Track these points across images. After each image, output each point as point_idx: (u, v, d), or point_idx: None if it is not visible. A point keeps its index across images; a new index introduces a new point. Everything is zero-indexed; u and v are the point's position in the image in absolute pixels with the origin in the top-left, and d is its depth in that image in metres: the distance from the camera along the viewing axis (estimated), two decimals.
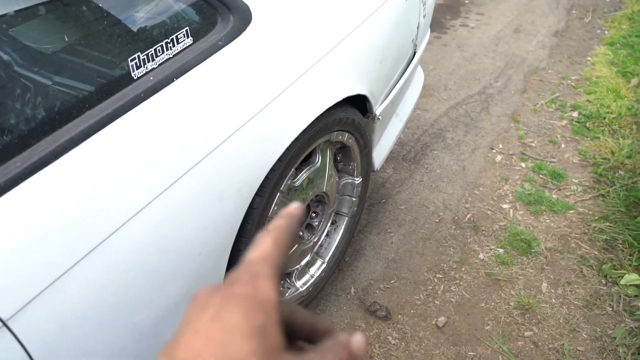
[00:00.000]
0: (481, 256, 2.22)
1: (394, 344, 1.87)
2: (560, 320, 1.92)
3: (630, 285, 2.00)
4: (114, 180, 0.87)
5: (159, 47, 0.96)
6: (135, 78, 0.92)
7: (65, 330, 0.80)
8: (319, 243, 1.75)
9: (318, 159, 1.46)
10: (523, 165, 2.81)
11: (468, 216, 2.45)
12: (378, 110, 1.64)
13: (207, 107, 1.03)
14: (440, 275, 2.13)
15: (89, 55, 0.92)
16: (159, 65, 0.95)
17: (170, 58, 0.98)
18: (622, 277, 2.02)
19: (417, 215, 2.44)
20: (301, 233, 1.63)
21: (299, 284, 1.66)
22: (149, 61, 0.93)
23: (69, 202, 0.80)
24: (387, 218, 2.43)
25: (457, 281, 2.11)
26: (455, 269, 2.16)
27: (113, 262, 0.86)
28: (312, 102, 1.27)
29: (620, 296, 1.98)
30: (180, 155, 0.97)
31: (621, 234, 2.23)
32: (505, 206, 2.52)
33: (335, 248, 1.80)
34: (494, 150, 2.93)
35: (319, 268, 1.74)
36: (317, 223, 1.68)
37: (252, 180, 1.15)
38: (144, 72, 0.92)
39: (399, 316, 1.96)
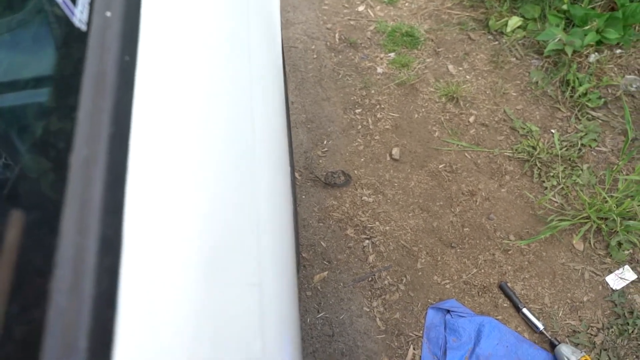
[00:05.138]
0: (379, 70, 2.04)
1: (372, 201, 1.69)
2: (487, 92, 1.92)
3: (516, 28, 2.04)
4: None
5: None
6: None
7: None
8: None
9: None
10: None
11: (337, 36, 2.17)
12: None
13: None
14: (359, 110, 1.92)
15: None
16: None
17: None
18: (506, 25, 2.05)
19: (294, 61, 2.08)
20: None
21: None
22: None
23: None
24: None
25: (378, 106, 1.92)
26: (366, 96, 1.96)
27: None
28: None
29: (513, 43, 2.03)
30: None
31: None
32: (360, 9, 2.29)
33: None
34: None
35: None
36: None
37: None
38: None
39: (356, 172, 1.75)
